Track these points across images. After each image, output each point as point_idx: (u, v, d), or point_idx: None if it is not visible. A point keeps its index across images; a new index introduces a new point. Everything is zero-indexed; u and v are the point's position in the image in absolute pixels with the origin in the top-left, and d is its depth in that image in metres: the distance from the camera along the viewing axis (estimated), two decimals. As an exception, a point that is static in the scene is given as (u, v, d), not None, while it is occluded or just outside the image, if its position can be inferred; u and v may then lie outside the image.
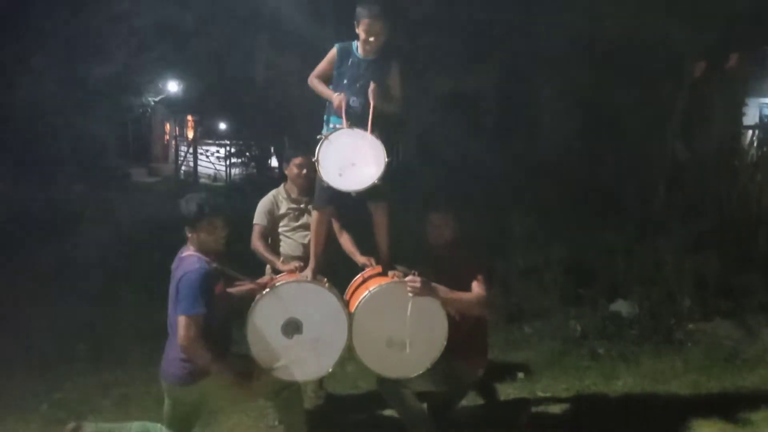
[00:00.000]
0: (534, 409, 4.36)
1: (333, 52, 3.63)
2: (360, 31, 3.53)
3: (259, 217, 4.33)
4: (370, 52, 3.55)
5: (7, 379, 4.72)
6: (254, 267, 4.12)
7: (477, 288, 3.52)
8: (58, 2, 10.98)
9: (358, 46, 3.58)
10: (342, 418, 4.26)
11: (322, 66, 3.69)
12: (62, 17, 11.25)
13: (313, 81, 3.70)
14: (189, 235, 3.37)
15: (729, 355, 5.28)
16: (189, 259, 3.28)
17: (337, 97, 3.50)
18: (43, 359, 5.14)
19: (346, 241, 4.09)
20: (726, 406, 4.23)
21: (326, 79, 3.68)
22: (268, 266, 4.21)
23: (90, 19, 11.71)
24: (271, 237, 4.33)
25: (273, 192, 4.42)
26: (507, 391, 4.69)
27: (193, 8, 11.30)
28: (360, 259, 3.95)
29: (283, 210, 4.33)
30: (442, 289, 3.43)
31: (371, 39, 3.49)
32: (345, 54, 3.59)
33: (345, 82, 3.57)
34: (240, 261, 3.77)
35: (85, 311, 6.15)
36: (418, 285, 3.35)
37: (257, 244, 4.24)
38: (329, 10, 8.20)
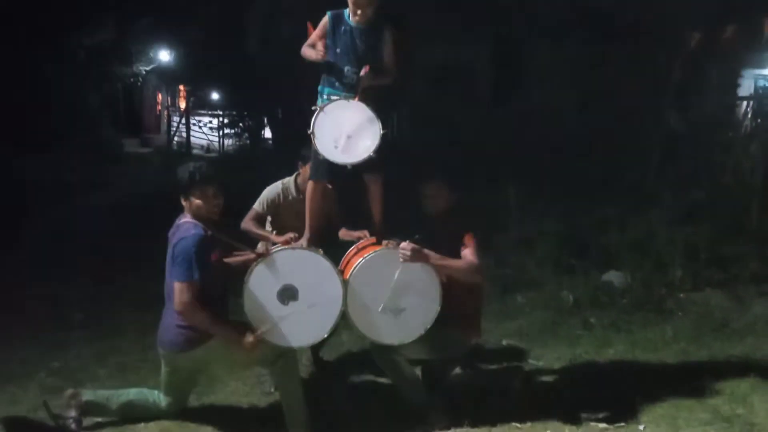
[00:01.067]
0: (526, 377, 4.42)
1: (325, 20, 3.60)
2: (349, 1, 3.50)
3: (260, 204, 4.25)
4: (361, 20, 3.53)
5: (5, 349, 4.76)
6: (250, 239, 4.12)
7: (469, 255, 3.54)
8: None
9: (350, 14, 3.55)
10: (337, 385, 4.30)
11: (314, 35, 3.66)
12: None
13: (306, 50, 3.66)
14: (183, 203, 3.37)
15: (719, 325, 5.32)
16: (185, 225, 3.29)
17: (319, 52, 3.49)
18: (40, 328, 5.17)
19: (344, 233, 4.14)
20: (715, 374, 4.27)
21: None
22: (260, 243, 4.18)
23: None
24: (275, 229, 4.21)
25: (283, 184, 4.29)
26: (500, 359, 4.75)
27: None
28: (355, 234, 4.01)
29: (288, 209, 4.18)
30: (434, 256, 3.46)
31: (359, 11, 3.47)
32: (337, 22, 3.56)
33: (338, 50, 3.54)
34: (235, 233, 3.78)
35: (81, 281, 6.16)
36: (408, 252, 3.38)
37: (249, 224, 4.18)
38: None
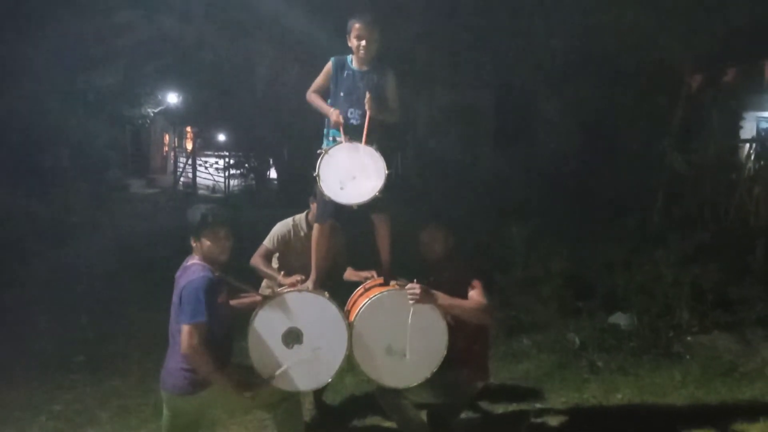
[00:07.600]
0: (533, 422, 4.36)
1: (328, 65, 3.66)
2: (353, 38, 3.55)
3: (270, 240, 4.26)
4: (364, 62, 3.58)
5: (7, 391, 4.71)
6: (255, 279, 4.12)
7: (477, 296, 3.51)
8: (59, 14, 11.05)
9: (352, 59, 3.62)
10: (340, 430, 4.24)
11: (318, 80, 3.71)
12: (63, 29, 11.32)
13: (311, 96, 3.71)
14: (193, 244, 3.38)
15: (727, 369, 5.28)
16: (193, 267, 3.28)
17: (334, 113, 3.51)
18: (42, 370, 5.13)
19: (349, 273, 4.13)
20: (724, 419, 4.23)
21: (323, 93, 3.69)
22: (264, 282, 4.18)
23: (91, 32, 11.77)
24: (283, 265, 4.15)
25: (294, 220, 4.30)
26: (506, 403, 4.68)
27: (193, 21, 11.40)
28: (362, 274, 4.00)
29: (299, 246, 4.18)
30: (443, 297, 3.43)
31: (363, 43, 3.51)
32: (340, 67, 3.62)
33: (342, 94, 3.59)
34: (241, 273, 3.77)
35: (84, 321, 6.14)
36: (418, 292, 3.36)
37: (257, 260, 4.18)
38: (328, 23, 8.26)
